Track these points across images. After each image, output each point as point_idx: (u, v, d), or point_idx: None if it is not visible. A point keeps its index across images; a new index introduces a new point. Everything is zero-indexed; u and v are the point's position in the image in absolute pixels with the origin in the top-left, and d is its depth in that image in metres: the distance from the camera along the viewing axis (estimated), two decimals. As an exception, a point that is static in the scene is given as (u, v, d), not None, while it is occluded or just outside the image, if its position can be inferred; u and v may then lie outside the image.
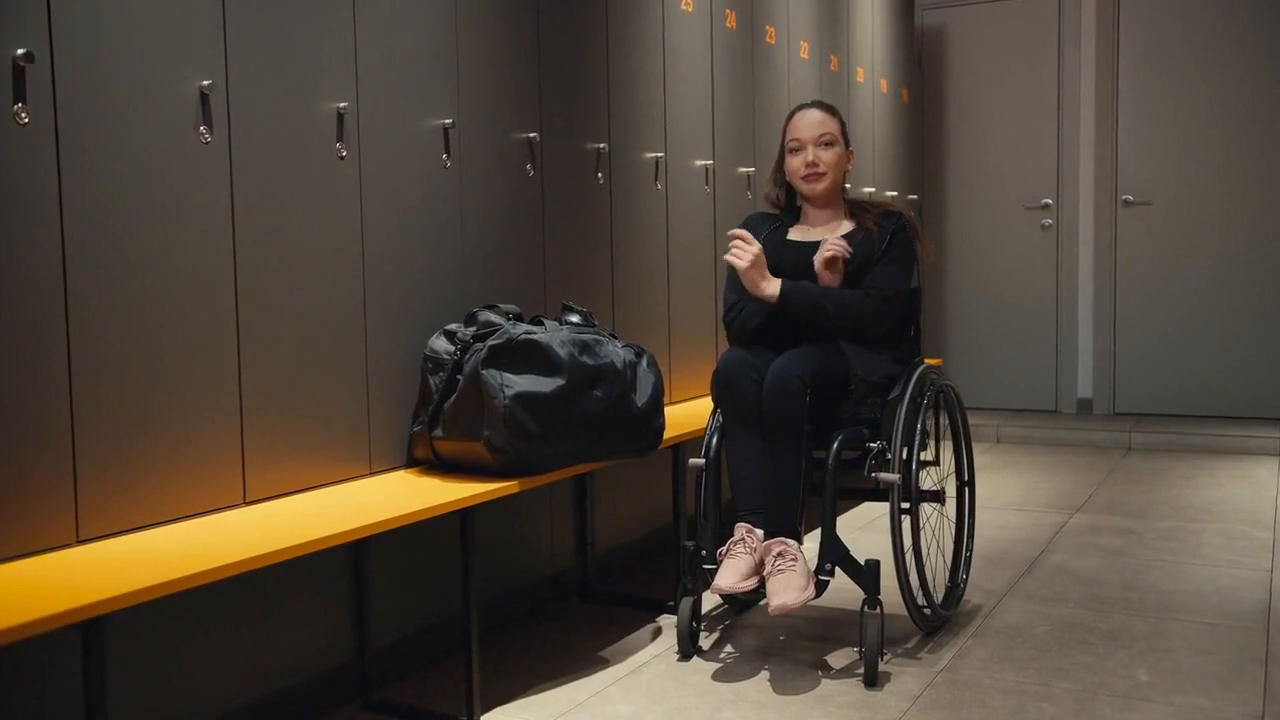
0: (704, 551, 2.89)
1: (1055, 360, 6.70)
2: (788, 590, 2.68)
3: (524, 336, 2.59)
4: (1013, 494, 4.88)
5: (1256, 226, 6.17)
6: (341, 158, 2.55)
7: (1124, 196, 6.47)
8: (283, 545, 2.04)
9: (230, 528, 2.19)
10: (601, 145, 3.49)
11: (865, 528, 4.22)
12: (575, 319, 2.85)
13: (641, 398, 2.81)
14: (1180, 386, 6.36)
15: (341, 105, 2.54)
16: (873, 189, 5.58)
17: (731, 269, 3.01)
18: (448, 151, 2.87)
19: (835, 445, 2.82)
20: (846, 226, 3.11)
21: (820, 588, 2.77)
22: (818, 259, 2.97)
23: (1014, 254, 6.78)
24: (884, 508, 3.89)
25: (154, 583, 1.78)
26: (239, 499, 2.33)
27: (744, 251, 2.96)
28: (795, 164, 3.11)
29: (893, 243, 3.05)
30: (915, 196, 6.47)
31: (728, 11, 4.25)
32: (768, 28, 4.56)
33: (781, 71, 4.68)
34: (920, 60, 6.78)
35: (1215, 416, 6.20)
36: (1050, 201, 6.68)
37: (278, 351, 2.41)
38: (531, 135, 3.17)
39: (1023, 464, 5.60)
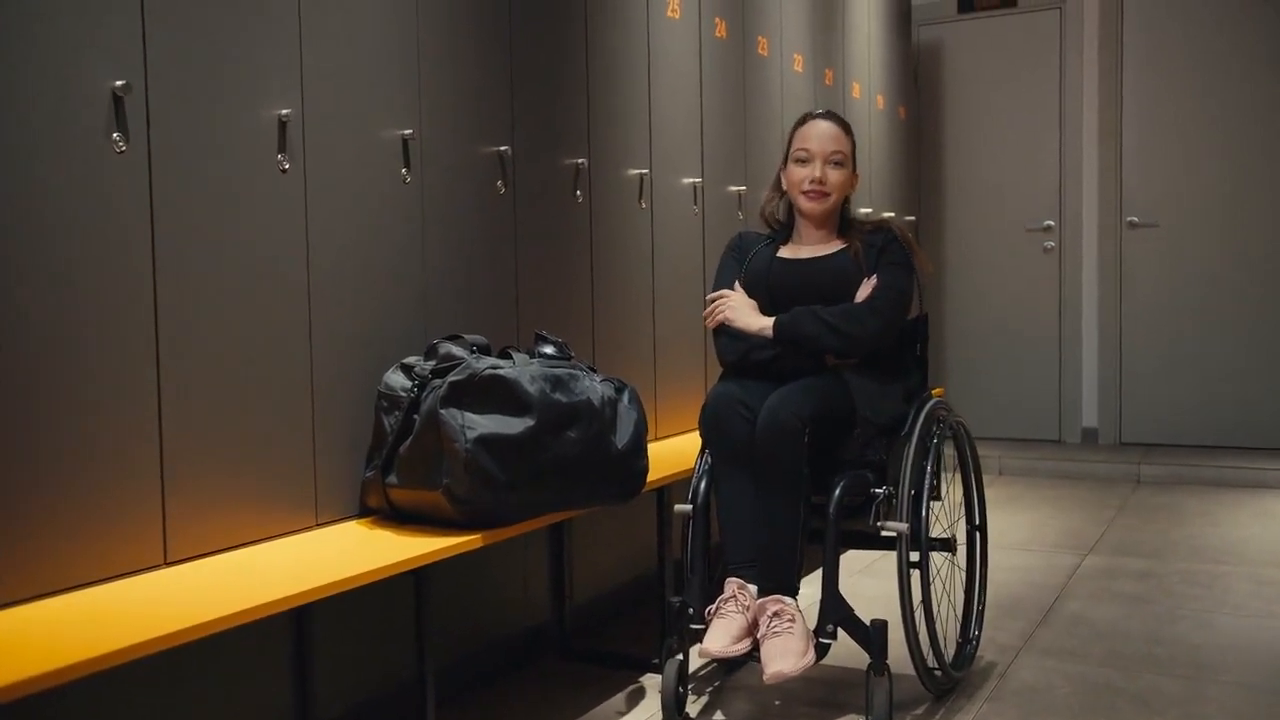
0: (691, 609, 2.60)
1: (1058, 388, 6.43)
2: (785, 656, 2.39)
3: (488, 371, 2.31)
4: (1020, 532, 4.61)
5: (1267, 249, 5.91)
6: (284, 171, 2.27)
7: (1129, 218, 6.22)
8: (201, 620, 1.75)
9: (144, 595, 1.90)
10: (580, 160, 3.22)
11: (864, 571, 3.93)
12: (549, 350, 2.57)
13: (622, 438, 2.53)
14: (1189, 416, 6.09)
15: (284, 112, 2.26)
16: (869, 209, 5.32)
17: (720, 330, 2.79)
18: (407, 165, 2.59)
19: (837, 491, 2.53)
20: (837, 245, 2.85)
21: (821, 651, 2.49)
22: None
23: (1015, 278, 6.52)
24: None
25: (27, 675, 1.49)
26: (159, 559, 2.03)
27: (724, 302, 2.78)
28: (798, 176, 2.83)
29: (886, 251, 2.79)
30: (913, 217, 6.21)
31: (717, 20, 3.99)
32: (760, 38, 4.30)
33: (774, 84, 4.42)
34: (916, 77, 6.54)
35: (1228, 447, 5.93)
36: (1052, 223, 6.43)
37: (206, 388, 2.12)
38: (502, 148, 2.89)
39: (1028, 498, 5.32)
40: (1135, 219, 6.20)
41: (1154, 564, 4.04)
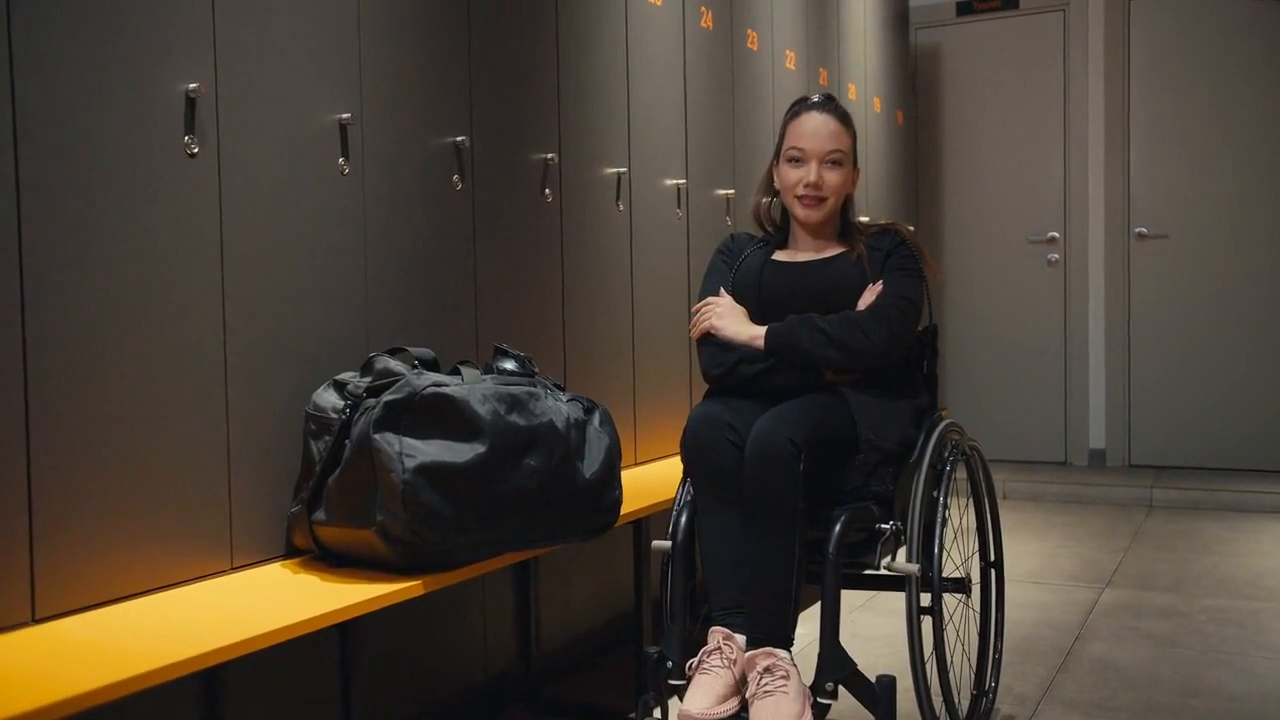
0: (670, 662, 2.26)
1: (1064, 408, 6.12)
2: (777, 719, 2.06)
3: (430, 390, 1.98)
4: (1030, 562, 4.28)
5: (1283, 261, 5.63)
6: (192, 155, 1.95)
7: (1137, 229, 5.92)
8: (56, 697, 1.42)
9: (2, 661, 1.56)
10: (550, 156, 2.90)
11: (865, 606, 3.60)
12: (510, 366, 2.25)
13: (591, 466, 2.20)
14: (1202, 436, 5.78)
15: (192, 86, 1.93)
16: (866, 218, 5.01)
17: (704, 339, 2.45)
18: (345, 154, 2.27)
19: (838, 528, 2.20)
20: (835, 249, 2.53)
21: (819, 712, 2.15)
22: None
23: (1018, 292, 6.21)
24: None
25: None
26: (25, 616, 1.69)
27: (710, 308, 2.46)
28: (791, 178, 2.51)
29: (894, 255, 2.48)
30: (910, 228, 5.89)
31: (703, 10, 3.68)
32: (749, 32, 3.99)
33: (765, 81, 4.11)
34: (914, 81, 6.25)
35: (1244, 470, 5.61)
36: (1057, 235, 6.13)
37: (90, 408, 1.78)
38: (459, 139, 2.57)
39: (1036, 525, 4.99)
40: (1143, 230, 5.91)
41: (1178, 599, 3.72)
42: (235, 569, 2.04)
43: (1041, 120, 6.15)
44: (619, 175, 3.22)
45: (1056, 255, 6.13)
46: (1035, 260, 6.19)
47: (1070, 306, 6.10)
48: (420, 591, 1.94)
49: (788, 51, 4.30)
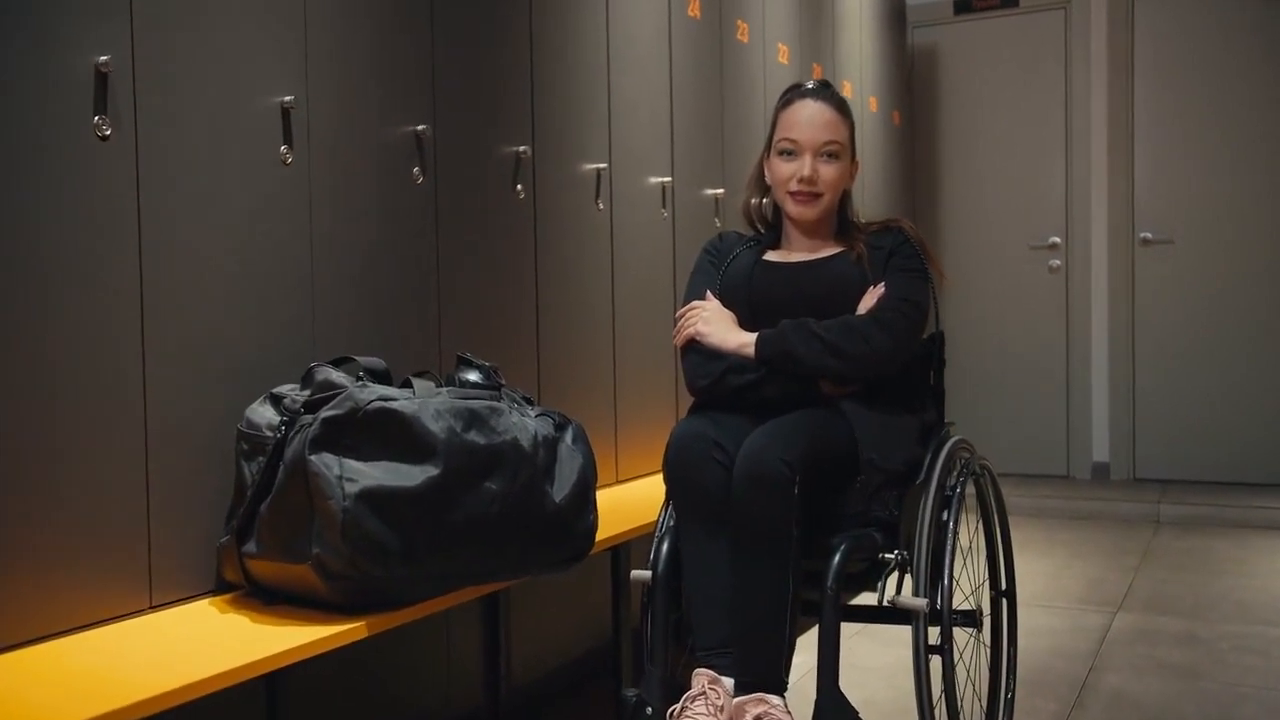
0: (650, 709, 2.03)
1: (1066, 419, 5.91)
2: (770, 776, 1.82)
3: (375, 405, 1.74)
4: (1037, 583, 4.05)
5: (1294, 268, 5.42)
6: (104, 137, 1.71)
7: (1142, 234, 5.72)
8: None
9: None
10: (522, 149, 2.67)
11: (860, 634, 3.36)
12: (473, 377, 2.02)
13: (560, 489, 1.98)
14: (1210, 449, 5.56)
15: (102, 59, 1.70)
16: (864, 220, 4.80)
17: (689, 347, 2.21)
18: (288, 141, 2.04)
19: (837, 558, 1.97)
20: (832, 249, 2.31)
21: (816, 766, 1.92)
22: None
23: (1018, 299, 6.00)
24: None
25: None
26: (-108, 669, 1.46)
27: (695, 314, 2.22)
28: (783, 172, 2.29)
29: (896, 255, 2.27)
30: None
31: (690, -3, 3.46)
32: (739, 23, 3.77)
33: (756, 76, 3.89)
34: (911, 82, 6.04)
35: (1254, 484, 5.39)
36: (1059, 240, 5.92)
37: (-20, 429, 1.55)
38: (420, 128, 2.34)
39: (1039, 542, 4.77)
40: (1148, 235, 5.71)
41: (1196, 625, 3.49)
42: (155, 608, 1.80)
43: (1042, 122, 5.95)
44: (599, 171, 2.99)
45: (1058, 261, 5.93)
46: (1036, 266, 5.98)
47: (1072, 314, 5.89)
48: (363, 634, 1.71)
49: (780, 45, 4.08)
